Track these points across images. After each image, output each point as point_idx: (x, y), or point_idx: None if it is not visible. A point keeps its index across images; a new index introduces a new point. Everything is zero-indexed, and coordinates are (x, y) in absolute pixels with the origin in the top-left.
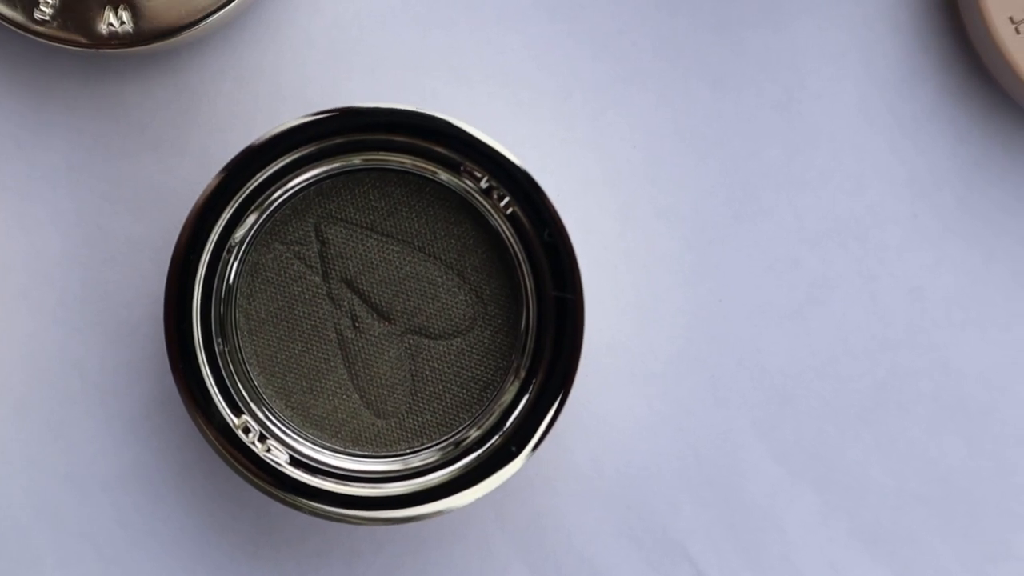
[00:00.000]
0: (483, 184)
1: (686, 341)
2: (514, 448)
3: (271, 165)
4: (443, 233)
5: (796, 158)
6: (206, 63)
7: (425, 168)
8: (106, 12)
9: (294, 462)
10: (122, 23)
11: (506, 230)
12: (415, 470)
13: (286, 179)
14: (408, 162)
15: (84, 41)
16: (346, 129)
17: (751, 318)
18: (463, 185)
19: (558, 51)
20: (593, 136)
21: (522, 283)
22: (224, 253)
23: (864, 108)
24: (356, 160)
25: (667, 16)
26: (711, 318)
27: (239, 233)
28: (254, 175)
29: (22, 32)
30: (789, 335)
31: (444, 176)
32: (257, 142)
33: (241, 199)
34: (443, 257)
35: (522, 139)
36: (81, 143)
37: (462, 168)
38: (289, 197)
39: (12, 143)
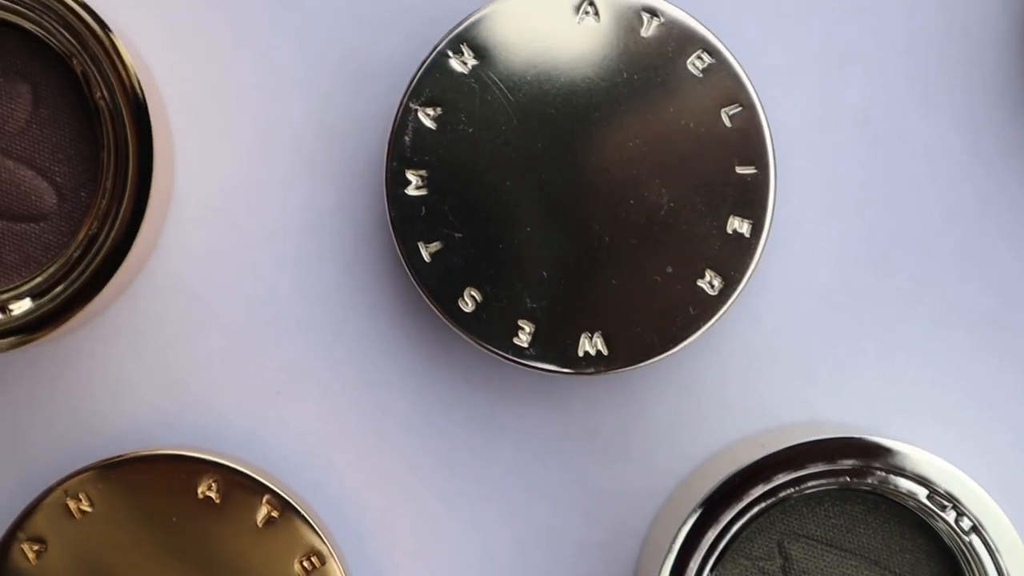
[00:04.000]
0: (947, 512)
1: None
2: None
3: (762, 499)
4: (897, 548)
5: None
6: (650, 373)
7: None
8: (582, 339)
9: None
10: (597, 350)
11: (964, 548)
12: None
13: (765, 503)
14: (922, 504)
15: (558, 366)
16: (849, 459)
17: None
18: (928, 509)
19: (988, 359)
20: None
21: None
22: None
23: None
24: (864, 487)
25: None
26: None
27: (714, 554)
28: (742, 497)
29: (500, 356)
30: None
31: (911, 501)
32: (748, 467)
33: (728, 537)
34: (896, 571)
35: (950, 445)
36: (530, 448)
37: (929, 495)
38: (759, 516)
39: (467, 451)
